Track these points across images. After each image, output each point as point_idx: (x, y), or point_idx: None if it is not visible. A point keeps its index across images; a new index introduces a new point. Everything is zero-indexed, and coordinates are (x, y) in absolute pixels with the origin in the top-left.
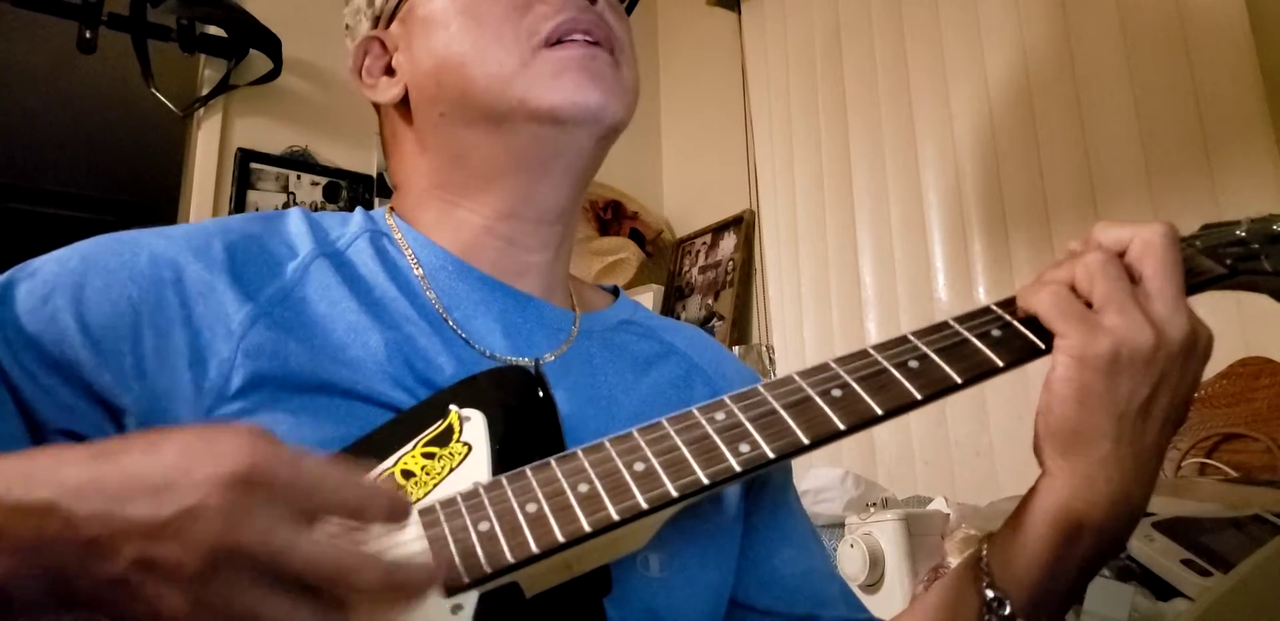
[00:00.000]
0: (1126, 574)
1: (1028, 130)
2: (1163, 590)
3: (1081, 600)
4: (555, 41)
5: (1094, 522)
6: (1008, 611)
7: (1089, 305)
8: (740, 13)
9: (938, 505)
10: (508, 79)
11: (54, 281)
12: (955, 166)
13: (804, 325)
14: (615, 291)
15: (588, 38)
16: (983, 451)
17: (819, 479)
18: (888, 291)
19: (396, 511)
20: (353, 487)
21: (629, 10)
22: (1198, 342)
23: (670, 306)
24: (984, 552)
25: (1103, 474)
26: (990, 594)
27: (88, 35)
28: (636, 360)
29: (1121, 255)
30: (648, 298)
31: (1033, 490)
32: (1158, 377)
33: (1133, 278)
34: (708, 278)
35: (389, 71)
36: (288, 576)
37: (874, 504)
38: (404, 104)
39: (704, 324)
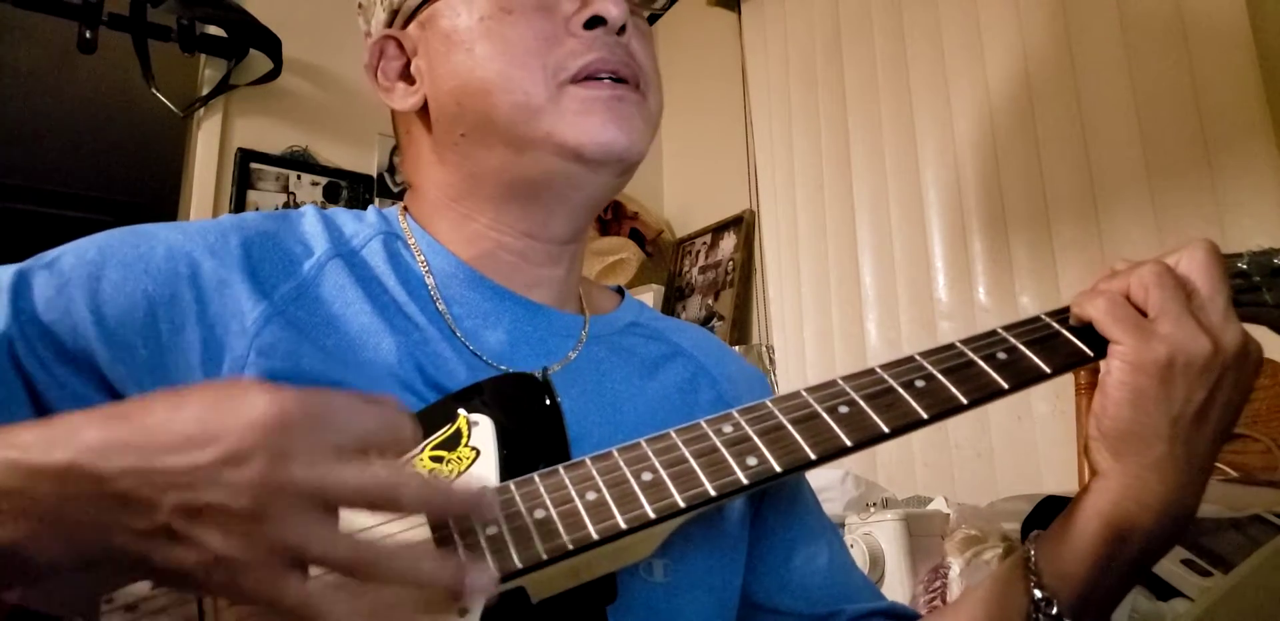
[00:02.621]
0: None
1: (1028, 130)
2: (1163, 590)
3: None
4: (583, 78)
5: (1144, 524)
6: (1055, 611)
7: (1144, 314)
8: (740, 13)
9: (938, 505)
10: (535, 110)
11: (70, 273)
12: (955, 166)
13: (804, 325)
14: (620, 292)
15: (615, 75)
16: (982, 452)
17: (819, 479)
18: (888, 291)
19: (407, 436)
20: (375, 417)
21: (651, 21)
22: (1249, 352)
23: (670, 306)
24: (1032, 552)
25: (1155, 475)
26: (1038, 593)
27: (88, 35)
28: (644, 363)
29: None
30: (648, 298)
31: (1085, 490)
32: (1213, 384)
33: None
34: (708, 278)
35: (406, 75)
36: (334, 504)
37: (874, 504)
38: (423, 110)
39: (704, 324)
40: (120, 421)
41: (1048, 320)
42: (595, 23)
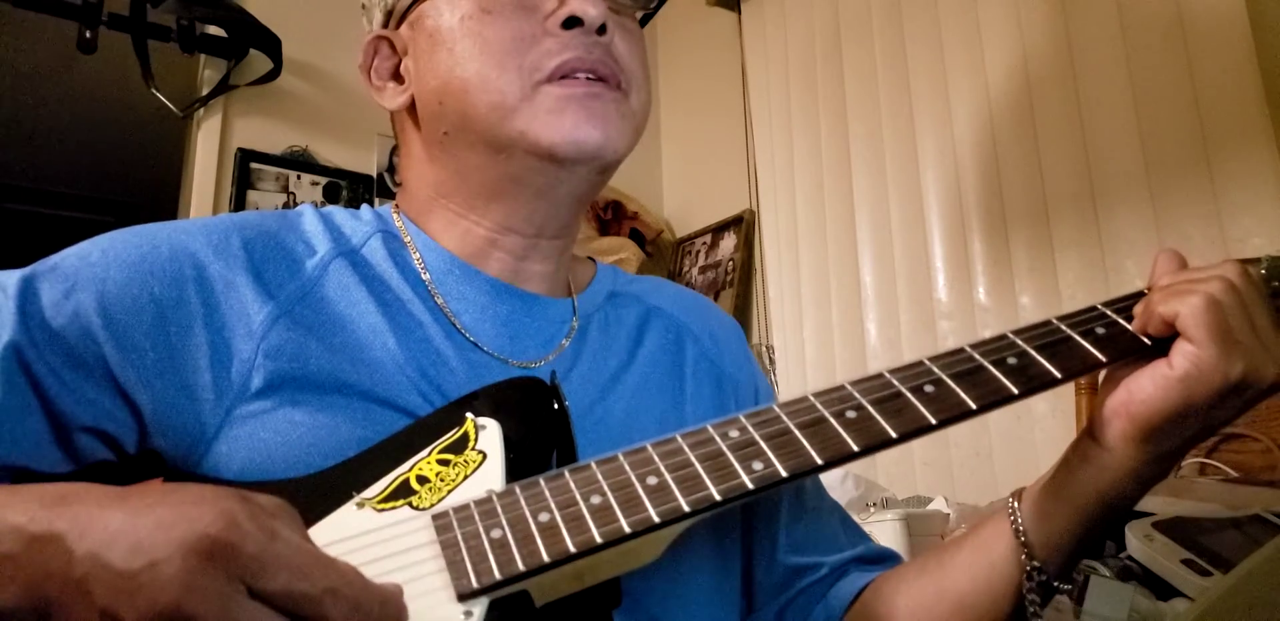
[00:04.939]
0: (1126, 574)
1: (1028, 130)
2: (1163, 590)
3: (1082, 600)
4: (559, 77)
5: (1134, 497)
6: (1044, 578)
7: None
8: (740, 13)
9: (938, 505)
10: (509, 110)
11: (75, 277)
12: (955, 166)
13: (804, 325)
14: (590, 259)
15: (591, 75)
16: (982, 452)
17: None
18: (888, 291)
19: (359, 613)
20: (320, 576)
21: (645, 21)
22: None
23: None
24: (1020, 525)
25: (1162, 463)
26: (1033, 564)
27: (88, 35)
28: (630, 332)
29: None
30: None
31: (1078, 460)
32: (1253, 402)
33: None
34: (708, 278)
35: (397, 75)
36: None
37: (874, 504)
38: (412, 109)
39: None
40: (113, 505)
41: (1103, 310)
42: (573, 23)
